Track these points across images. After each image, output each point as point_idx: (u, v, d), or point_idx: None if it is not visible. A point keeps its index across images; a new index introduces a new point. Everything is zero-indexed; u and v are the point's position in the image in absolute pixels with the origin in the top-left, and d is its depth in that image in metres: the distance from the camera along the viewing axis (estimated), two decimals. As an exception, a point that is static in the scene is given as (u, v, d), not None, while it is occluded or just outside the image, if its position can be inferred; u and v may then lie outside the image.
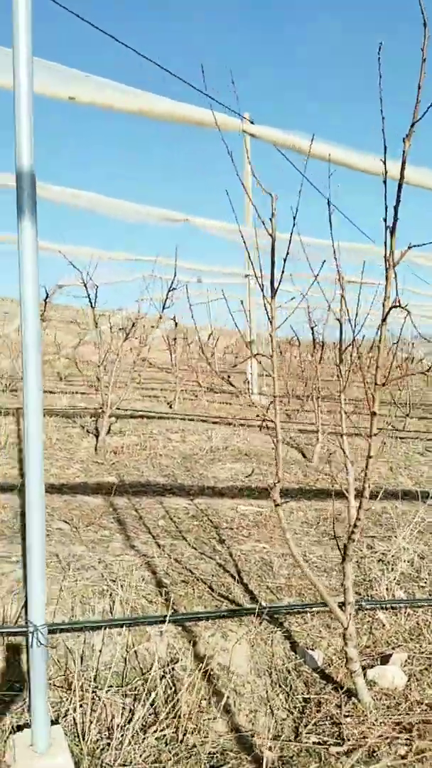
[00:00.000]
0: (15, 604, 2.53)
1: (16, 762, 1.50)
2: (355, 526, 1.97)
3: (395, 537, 3.52)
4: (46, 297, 9.25)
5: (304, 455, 6.10)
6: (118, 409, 8.05)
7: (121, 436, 6.03)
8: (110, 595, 2.60)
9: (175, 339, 11.94)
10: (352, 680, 2.03)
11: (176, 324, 12.22)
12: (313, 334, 5.76)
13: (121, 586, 2.65)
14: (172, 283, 5.63)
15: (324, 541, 3.68)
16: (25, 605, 1.57)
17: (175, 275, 5.71)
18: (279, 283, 1.98)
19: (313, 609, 2.66)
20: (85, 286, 5.02)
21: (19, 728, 1.69)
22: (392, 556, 3.35)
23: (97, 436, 5.98)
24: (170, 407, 9.33)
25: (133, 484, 4.57)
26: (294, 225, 1.89)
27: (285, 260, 1.94)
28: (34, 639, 1.53)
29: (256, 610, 2.54)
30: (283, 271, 1.97)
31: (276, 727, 1.97)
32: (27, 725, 1.69)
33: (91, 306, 5.23)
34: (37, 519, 1.56)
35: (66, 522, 3.63)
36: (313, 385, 11.73)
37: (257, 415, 8.17)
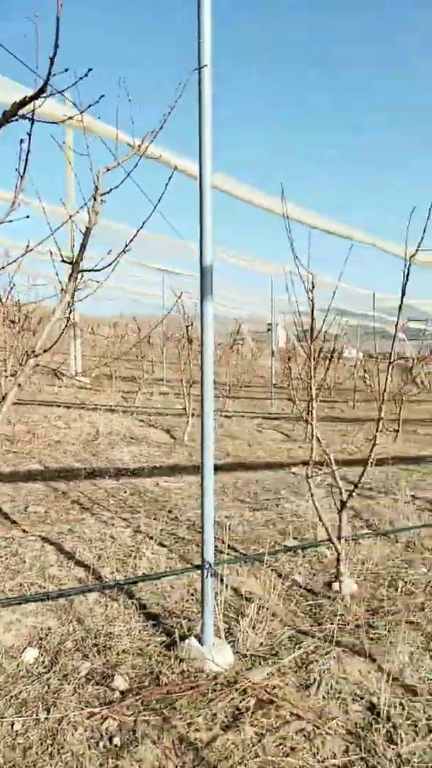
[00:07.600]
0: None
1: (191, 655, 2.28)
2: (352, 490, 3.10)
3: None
4: None
5: (172, 436, 7.08)
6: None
7: (6, 424, 6.27)
8: (138, 557, 3.34)
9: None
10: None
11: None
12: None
13: (145, 549, 3.40)
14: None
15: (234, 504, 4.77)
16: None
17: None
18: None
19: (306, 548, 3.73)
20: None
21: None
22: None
23: (-12, 426, 6.14)
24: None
25: (59, 470, 5.08)
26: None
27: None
28: (208, 572, 2.30)
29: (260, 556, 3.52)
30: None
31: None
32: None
33: None
34: (208, 494, 2.32)
35: (41, 506, 4.11)
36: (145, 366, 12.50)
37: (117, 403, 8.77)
